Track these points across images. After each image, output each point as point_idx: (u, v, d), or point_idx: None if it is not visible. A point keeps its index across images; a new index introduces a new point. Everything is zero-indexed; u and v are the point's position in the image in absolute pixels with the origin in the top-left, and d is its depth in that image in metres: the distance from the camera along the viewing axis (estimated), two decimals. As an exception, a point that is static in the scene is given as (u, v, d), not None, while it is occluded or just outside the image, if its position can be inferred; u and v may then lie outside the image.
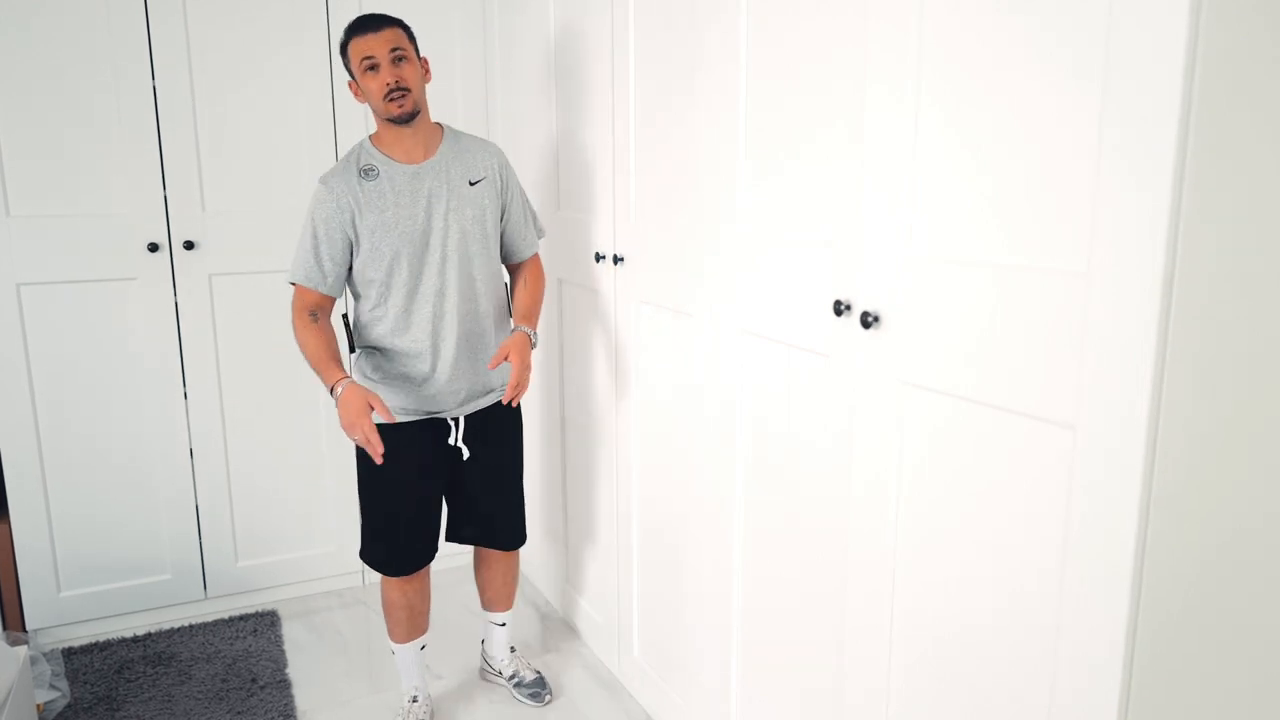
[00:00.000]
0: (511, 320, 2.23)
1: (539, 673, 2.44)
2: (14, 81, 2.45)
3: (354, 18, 2.01)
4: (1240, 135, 0.97)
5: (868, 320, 1.37)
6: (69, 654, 2.61)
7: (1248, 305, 1.02)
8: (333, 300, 2.07)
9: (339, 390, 1.93)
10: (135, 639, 2.70)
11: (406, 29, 2.00)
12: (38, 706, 2.25)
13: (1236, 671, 1.12)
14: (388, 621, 2.25)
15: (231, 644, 2.68)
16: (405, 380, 2.08)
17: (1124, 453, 1.01)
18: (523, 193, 2.22)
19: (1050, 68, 1.08)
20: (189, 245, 2.67)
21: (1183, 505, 1.02)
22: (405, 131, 2.02)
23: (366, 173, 2.00)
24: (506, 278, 2.26)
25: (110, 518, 2.71)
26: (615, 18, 2.11)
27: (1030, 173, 1.11)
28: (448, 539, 2.29)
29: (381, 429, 2.03)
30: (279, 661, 2.58)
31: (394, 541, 2.15)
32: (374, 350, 2.10)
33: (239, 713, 2.33)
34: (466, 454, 2.16)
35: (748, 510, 1.79)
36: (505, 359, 2.04)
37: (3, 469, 2.58)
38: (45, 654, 2.51)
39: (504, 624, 2.43)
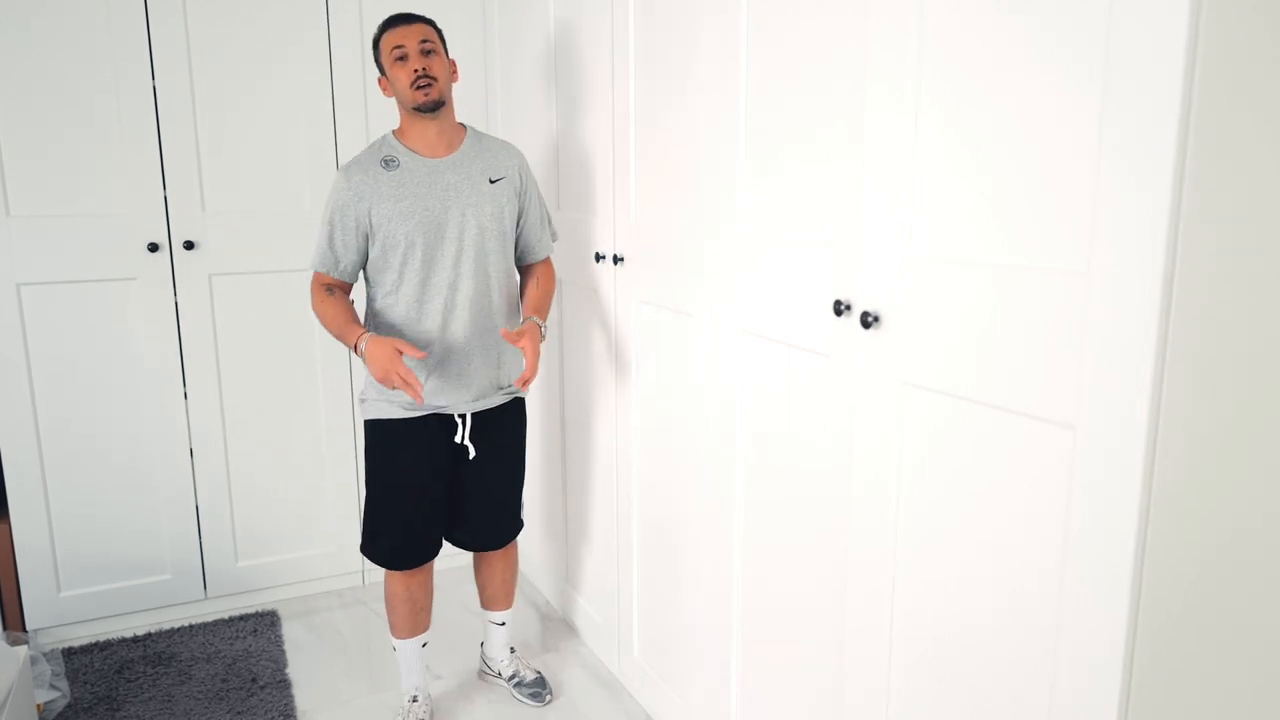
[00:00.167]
0: (521, 314, 2.24)
1: (539, 673, 2.44)
2: (14, 81, 2.45)
3: (387, 15, 2.11)
4: (1240, 135, 0.97)
5: (868, 320, 1.37)
6: (69, 654, 2.61)
7: (1248, 305, 1.02)
8: (348, 286, 2.13)
9: (363, 345, 1.96)
10: (135, 639, 2.70)
11: (437, 28, 2.08)
12: (38, 706, 2.25)
13: (1236, 671, 1.12)
14: (390, 616, 2.25)
15: (231, 644, 2.68)
16: (414, 370, 2.08)
17: (1124, 453, 1.01)
18: (540, 196, 2.24)
19: (1050, 68, 1.08)
20: (189, 245, 2.67)
21: (1183, 505, 1.02)
22: (430, 125, 2.05)
23: (388, 163, 2.04)
24: (518, 278, 2.27)
25: (110, 518, 2.71)
26: (615, 17, 2.11)
27: (1030, 173, 1.11)
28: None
29: (391, 424, 2.06)
30: (279, 661, 2.58)
31: (400, 536, 2.16)
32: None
33: (239, 713, 2.33)
34: (473, 453, 2.16)
35: (747, 510, 1.79)
36: (518, 341, 2.04)
37: (3, 469, 2.58)
38: (45, 654, 2.51)
39: (503, 624, 2.43)
